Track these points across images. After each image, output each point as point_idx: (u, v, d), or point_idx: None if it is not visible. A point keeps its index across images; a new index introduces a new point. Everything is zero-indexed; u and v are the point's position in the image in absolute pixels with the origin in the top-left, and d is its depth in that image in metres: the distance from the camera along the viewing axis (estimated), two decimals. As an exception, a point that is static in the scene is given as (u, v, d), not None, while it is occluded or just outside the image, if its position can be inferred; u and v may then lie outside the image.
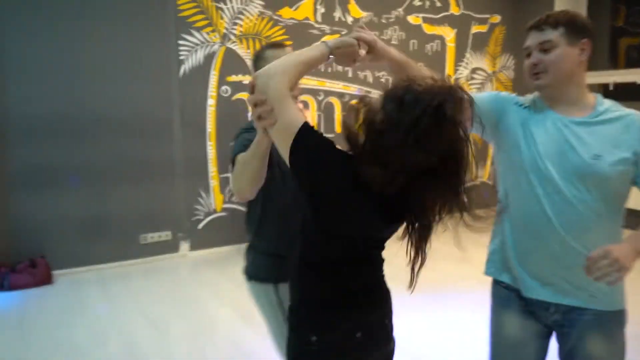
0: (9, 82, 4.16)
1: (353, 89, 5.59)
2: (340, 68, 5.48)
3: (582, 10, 6.24)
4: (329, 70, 5.41)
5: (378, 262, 1.39)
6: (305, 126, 1.20)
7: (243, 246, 5.13)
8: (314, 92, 5.36)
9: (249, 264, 1.91)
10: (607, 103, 1.54)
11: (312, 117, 5.31)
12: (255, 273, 1.87)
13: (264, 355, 2.86)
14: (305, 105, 5.26)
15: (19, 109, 4.20)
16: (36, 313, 3.67)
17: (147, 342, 3.16)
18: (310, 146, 1.20)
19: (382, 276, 1.40)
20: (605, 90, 6.18)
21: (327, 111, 5.45)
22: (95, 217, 4.52)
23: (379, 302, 1.39)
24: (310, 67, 1.27)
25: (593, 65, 5.83)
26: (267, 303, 1.83)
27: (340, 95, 5.52)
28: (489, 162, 6.62)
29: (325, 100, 5.44)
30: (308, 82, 5.31)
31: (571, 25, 1.50)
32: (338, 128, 5.53)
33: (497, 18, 6.43)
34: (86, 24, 4.36)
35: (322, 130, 5.29)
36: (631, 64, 6.59)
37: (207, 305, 3.76)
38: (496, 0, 6.38)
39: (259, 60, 1.85)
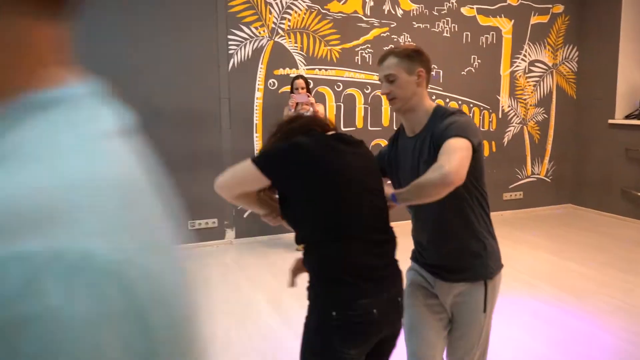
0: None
1: (376, 77, 5.53)
2: (367, 58, 5.45)
3: (654, -2, 5.83)
4: (356, 60, 5.38)
5: (392, 242, 1.57)
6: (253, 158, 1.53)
7: (282, 236, 5.25)
8: (331, 83, 5.32)
9: None
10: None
11: (329, 109, 5.28)
12: None
13: (292, 345, 2.97)
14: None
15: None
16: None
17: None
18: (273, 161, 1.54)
19: (395, 256, 1.56)
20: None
21: (347, 103, 5.42)
22: (148, 203, 4.81)
23: (393, 279, 1.52)
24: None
25: None
26: None
27: (362, 86, 5.46)
28: (546, 159, 6.36)
29: (345, 91, 5.39)
30: (354, 75, 5.33)
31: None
32: (359, 122, 5.50)
33: (560, 7, 6.14)
34: (139, 20, 4.62)
35: (341, 123, 5.30)
36: None
37: (246, 291, 3.92)
38: (559, -11, 6.10)
39: None
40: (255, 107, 5.07)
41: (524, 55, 6.06)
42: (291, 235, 1.99)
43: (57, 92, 0.38)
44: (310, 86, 4.69)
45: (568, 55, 6.30)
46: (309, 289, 1.50)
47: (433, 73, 5.51)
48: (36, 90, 0.36)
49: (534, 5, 6.01)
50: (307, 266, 1.52)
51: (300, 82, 4.55)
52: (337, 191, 1.44)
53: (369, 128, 5.48)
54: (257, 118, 5.09)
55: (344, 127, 5.37)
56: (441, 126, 1.62)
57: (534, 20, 6.05)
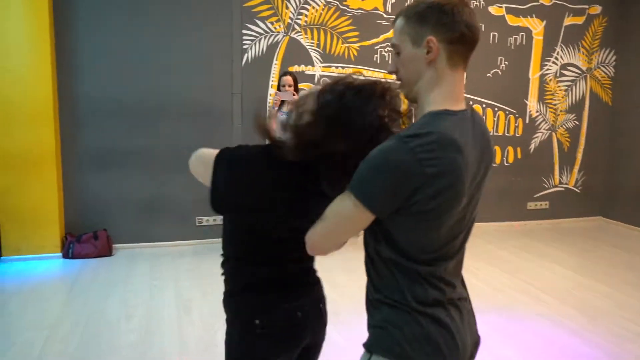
0: (81, 68, 4.51)
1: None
2: (386, 57, 5.26)
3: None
4: (375, 58, 5.20)
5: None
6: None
7: None
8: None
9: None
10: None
11: None
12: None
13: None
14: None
15: (90, 94, 4.53)
16: (89, 282, 3.97)
17: (168, 319, 3.28)
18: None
19: (313, 265, 1.49)
20: None
21: (392, 105, 5.27)
22: (155, 198, 4.78)
23: (311, 287, 1.47)
24: None
25: None
26: None
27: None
28: (575, 169, 6.03)
29: (391, 93, 5.25)
30: (373, 73, 5.16)
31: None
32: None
33: (597, 9, 5.79)
34: (154, 15, 4.59)
35: None
36: None
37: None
38: (597, -11, 5.75)
39: None
40: (268, 104, 4.96)
41: (556, 58, 5.75)
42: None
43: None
44: (299, 84, 4.50)
45: (604, 60, 5.94)
46: (225, 299, 1.46)
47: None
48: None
49: (568, 5, 5.69)
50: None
51: (289, 78, 4.38)
52: None
53: (386, 129, 5.30)
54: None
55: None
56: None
57: (568, 21, 5.73)
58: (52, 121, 4.37)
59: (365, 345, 1.17)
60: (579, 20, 5.77)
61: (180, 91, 4.72)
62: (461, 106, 1.16)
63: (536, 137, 5.83)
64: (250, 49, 4.85)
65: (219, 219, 4.99)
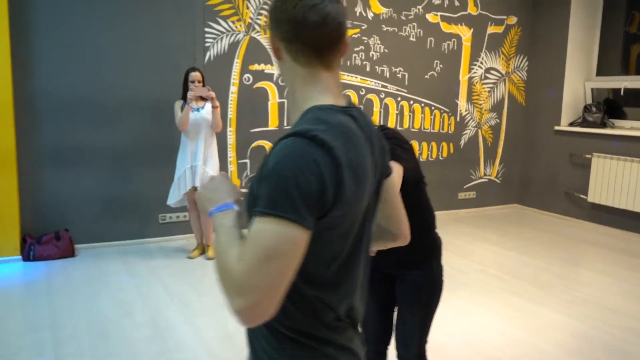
0: (39, 63, 4.32)
1: (371, 82, 5.73)
2: (358, 62, 5.63)
3: (597, 15, 6.36)
4: (348, 63, 5.55)
5: None
6: None
7: None
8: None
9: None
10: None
11: None
12: None
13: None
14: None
15: (48, 90, 4.36)
16: (63, 282, 3.85)
17: (171, 312, 3.34)
18: None
19: None
20: (616, 95, 6.32)
21: (343, 103, 5.60)
22: (117, 196, 4.69)
23: None
24: None
25: (605, 70, 5.94)
26: None
27: (357, 89, 5.66)
28: (497, 162, 6.77)
29: (343, 93, 5.57)
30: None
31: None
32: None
33: (513, 19, 6.55)
34: (116, 10, 4.51)
35: None
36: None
37: (209, 290, 3.93)
38: (513, 1, 6.49)
39: None
40: (230, 102, 5.06)
41: (481, 63, 6.42)
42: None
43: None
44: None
45: (519, 65, 6.73)
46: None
47: (406, 74, 5.73)
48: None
49: (491, 15, 6.38)
50: None
51: (198, 74, 4.34)
52: None
53: (338, 126, 5.62)
54: (232, 112, 5.09)
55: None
56: (266, 160, 0.94)
57: (491, 30, 6.42)
58: (10, 119, 4.15)
59: None
60: (499, 29, 6.49)
61: (142, 87, 4.68)
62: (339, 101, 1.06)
63: (465, 133, 6.47)
64: (213, 47, 4.92)
65: (182, 216, 5.01)
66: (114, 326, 3.17)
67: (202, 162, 4.38)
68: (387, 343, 2.15)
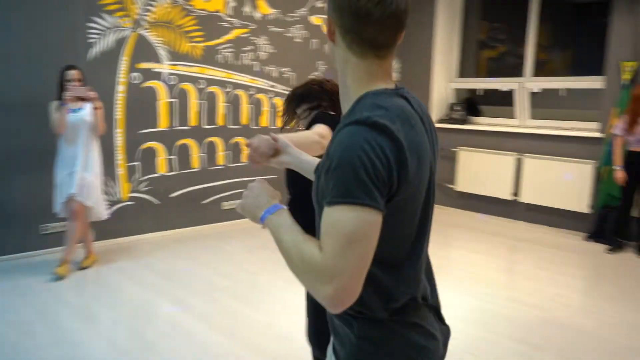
0: None
1: (260, 82, 5.78)
2: (247, 62, 5.65)
3: (456, 23, 7.07)
4: (237, 62, 5.54)
5: None
6: None
7: (150, 235, 5.16)
8: (221, 84, 5.46)
9: None
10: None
11: (192, 105, 5.36)
12: None
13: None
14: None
15: None
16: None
17: (78, 328, 3.12)
18: None
19: None
20: (475, 95, 7.10)
21: (234, 102, 5.59)
22: (-8, 206, 4.21)
23: None
24: None
25: (464, 73, 6.61)
26: None
27: (246, 88, 5.68)
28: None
29: (233, 92, 5.57)
30: (216, 73, 5.40)
31: None
32: (244, 119, 5.69)
33: (386, 24, 7.01)
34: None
35: (204, 120, 5.38)
36: (491, 73, 7.61)
37: (110, 300, 3.76)
38: (386, 8, 6.96)
39: None
40: (116, 102, 4.79)
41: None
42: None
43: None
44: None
45: (393, 67, 7.22)
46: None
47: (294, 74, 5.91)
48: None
49: (367, 20, 6.77)
50: None
51: (76, 73, 3.97)
52: None
53: (229, 126, 5.59)
54: (119, 113, 4.82)
55: (207, 125, 5.39)
56: (330, 151, 0.98)
57: (367, 33, 6.81)
58: None
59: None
60: (375, 33, 6.91)
61: (19, 85, 4.24)
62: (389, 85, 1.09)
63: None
64: (97, 43, 4.61)
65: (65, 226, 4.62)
66: (18, 350, 2.89)
67: (82, 168, 4.03)
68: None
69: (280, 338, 3.14)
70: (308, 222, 1.80)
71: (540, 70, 6.46)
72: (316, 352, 2.21)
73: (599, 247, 5.20)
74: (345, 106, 1.08)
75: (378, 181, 0.91)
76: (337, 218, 0.91)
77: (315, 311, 2.15)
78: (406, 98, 1.06)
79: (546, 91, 6.24)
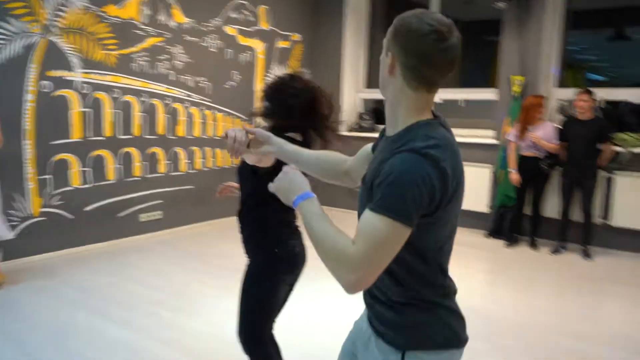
0: None
1: (176, 91, 5.71)
2: (163, 71, 5.56)
3: (362, 37, 7.46)
4: (153, 72, 5.44)
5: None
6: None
7: (65, 252, 5.02)
8: (137, 93, 5.33)
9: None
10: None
11: (106, 115, 5.24)
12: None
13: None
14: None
15: None
16: None
17: (10, 356, 2.93)
18: None
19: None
20: (381, 105, 7.51)
21: (150, 112, 5.47)
22: None
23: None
24: None
25: (371, 83, 6.91)
26: None
27: (162, 97, 5.59)
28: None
29: (148, 101, 5.45)
30: (131, 82, 5.26)
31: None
32: (160, 129, 5.59)
33: (297, 36, 7.23)
34: None
35: (119, 131, 5.23)
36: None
37: (32, 320, 3.58)
38: (297, 20, 7.17)
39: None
40: (25, 111, 4.51)
41: (272, 75, 6.93)
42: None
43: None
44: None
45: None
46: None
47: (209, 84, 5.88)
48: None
49: (279, 32, 6.93)
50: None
51: None
52: None
53: (145, 136, 5.46)
54: (29, 124, 4.54)
55: (122, 135, 5.23)
56: (385, 165, 1.15)
57: (280, 44, 6.98)
58: None
59: (394, 344, 1.26)
60: (287, 44, 7.09)
61: None
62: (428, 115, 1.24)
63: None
64: (3, 49, 4.32)
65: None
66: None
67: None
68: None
69: (225, 343, 3.17)
70: (253, 234, 2.02)
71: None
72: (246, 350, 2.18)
73: (498, 243, 5.76)
74: (391, 127, 1.26)
75: (418, 205, 1.10)
76: (375, 224, 1.10)
77: (248, 313, 2.14)
78: (445, 126, 1.25)
79: (447, 102, 6.78)
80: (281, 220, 2.14)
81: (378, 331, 1.31)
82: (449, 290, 1.30)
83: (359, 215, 1.19)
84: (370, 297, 1.33)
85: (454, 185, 1.17)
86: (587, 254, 5.28)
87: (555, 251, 5.43)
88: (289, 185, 1.30)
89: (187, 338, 3.26)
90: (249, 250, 2.18)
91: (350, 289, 1.13)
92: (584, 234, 5.34)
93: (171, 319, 3.53)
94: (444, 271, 1.28)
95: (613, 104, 6.31)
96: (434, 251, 1.24)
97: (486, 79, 10.54)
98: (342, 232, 1.17)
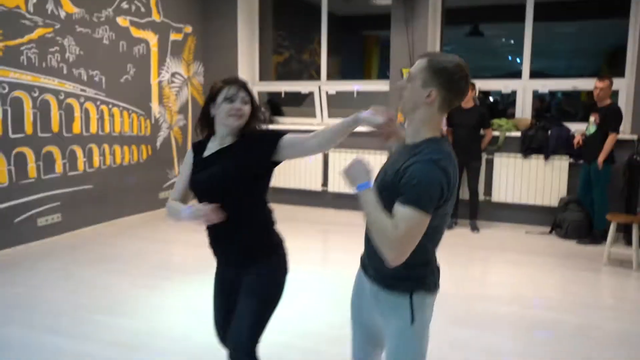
0: None
1: (69, 86, 5.36)
2: (54, 64, 5.19)
3: (255, 30, 7.54)
4: (43, 65, 5.06)
5: None
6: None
7: None
8: (27, 88, 4.93)
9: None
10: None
11: (27, 114, 4.89)
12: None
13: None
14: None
15: None
16: None
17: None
18: None
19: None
20: (278, 98, 7.69)
21: (42, 108, 5.09)
22: None
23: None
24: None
25: (263, 76, 7.15)
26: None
27: (55, 93, 5.22)
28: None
29: (41, 97, 5.07)
30: (21, 76, 4.86)
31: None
32: (55, 126, 5.23)
33: (189, 28, 7.10)
34: None
35: (9, 130, 4.73)
36: (279, 77, 8.32)
37: None
38: (189, 12, 7.05)
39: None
40: None
41: (167, 67, 6.76)
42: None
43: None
44: None
45: (197, 70, 7.36)
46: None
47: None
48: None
49: (172, 24, 6.77)
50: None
51: None
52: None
53: (39, 134, 5.07)
54: None
55: (13, 134, 4.82)
56: (408, 169, 1.53)
57: (173, 37, 6.81)
58: None
59: (403, 290, 1.64)
60: (180, 37, 6.94)
61: None
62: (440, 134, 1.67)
63: (160, 135, 6.72)
64: None
65: None
66: None
67: None
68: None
69: (177, 340, 3.17)
70: (256, 238, 2.06)
71: (318, 74, 7.39)
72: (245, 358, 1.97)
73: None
74: (411, 138, 1.64)
75: (434, 200, 1.51)
76: (409, 213, 1.49)
77: (263, 322, 2.01)
78: (448, 142, 1.68)
79: (340, 93, 7.15)
80: (273, 219, 2.11)
81: (387, 284, 1.68)
82: (435, 255, 1.75)
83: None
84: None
85: (452, 186, 1.56)
86: (475, 227, 5.95)
87: (448, 227, 6.01)
88: (358, 172, 1.60)
89: (132, 337, 3.20)
90: (251, 257, 2.01)
91: (392, 262, 1.51)
92: (472, 210, 6.01)
93: (107, 321, 3.42)
94: (437, 243, 1.71)
95: (484, 94, 7.13)
96: (436, 232, 1.64)
97: (362, 71, 11.24)
98: (388, 219, 1.51)
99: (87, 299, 3.79)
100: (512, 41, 11.37)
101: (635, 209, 5.37)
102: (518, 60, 7.67)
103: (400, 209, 1.50)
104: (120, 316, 3.52)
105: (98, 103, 5.75)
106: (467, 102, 5.80)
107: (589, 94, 6.07)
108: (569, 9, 8.76)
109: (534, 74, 6.46)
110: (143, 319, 3.50)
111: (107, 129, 5.89)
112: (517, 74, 6.62)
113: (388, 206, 1.54)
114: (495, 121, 6.09)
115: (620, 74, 6.00)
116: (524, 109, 6.42)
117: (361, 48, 10.82)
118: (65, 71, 5.31)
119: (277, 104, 7.78)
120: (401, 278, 1.64)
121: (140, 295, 3.90)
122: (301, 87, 7.49)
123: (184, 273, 4.39)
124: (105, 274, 4.36)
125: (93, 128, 5.69)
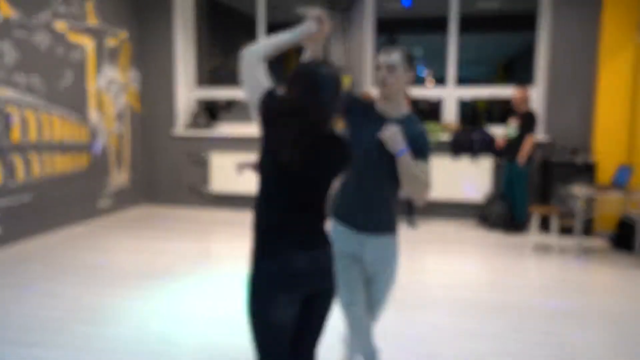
0: None
1: (6, 92, 5.16)
2: (-8, 69, 4.98)
3: (191, 36, 7.58)
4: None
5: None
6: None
7: None
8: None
9: None
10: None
11: None
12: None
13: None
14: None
15: None
16: None
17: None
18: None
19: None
20: (213, 103, 7.75)
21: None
22: None
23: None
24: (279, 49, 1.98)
25: (200, 82, 7.24)
26: None
27: (-7, 100, 5.01)
28: (126, 167, 7.13)
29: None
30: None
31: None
32: (-5, 135, 5.01)
33: (125, 34, 7.01)
34: None
35: None
36: (212, 82, 8.38)
37: None
38: (124, 17, 6.95)
39: None
40: None
41: (104, 74, 6.63)
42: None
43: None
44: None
45: (134, 77, 7.26)
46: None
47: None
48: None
49: (108, 29, 6.65)
50: None
51: None
52: None
53: (-22, 143, 4.85)
54: None
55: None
56: (417, 133, 2.18)
57: (109, 42, 6.70)
58: None
59: (389, 231, 2.26)
60: (116, 42, 6.83)
61: None
62: None
63: (99, 142, 6.57)
64: None
65: None
66: None
67: None
68: None
69: (162, 342, 3.25)
70: (322, 225, 1.83)
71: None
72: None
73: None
74: (392, 110, 2.23)
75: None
76: (429, 165, 2.17)
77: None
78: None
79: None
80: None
81: (380, 229, 2.25)
82: None
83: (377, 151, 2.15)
84: (378, 212, 2.24)
85: None
86: (412, 224, 6.43)
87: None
88: (397, 138, 2.09)
89: (120, 345, 3.23)
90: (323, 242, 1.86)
91: (424, 201, 2.18)
92: (409, 208, 6.47)
93: (92, 332, 3.41)
94: None
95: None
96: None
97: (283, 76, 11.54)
98: (422, 173, 2.11)
99: (65, 312, 3.72)
100: (421, 50, 12.26)
101: (550, 202, 6.09)
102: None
103: (425, 165, 2.14)
104: (112, 326, 3.52)
105: (37, 110, 5.56)
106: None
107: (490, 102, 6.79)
108: (480, 20, 9.63)
109: (440, 80, 7.06)
110: (123, 326, 3.52)
111: (47, 136, 5.70)
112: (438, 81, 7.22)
113: (388, 158, 2.10)
114: (429, 125, 6.61)
115: (514, 81, 6.76)
116: (449, 114, 7.00)
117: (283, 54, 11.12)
118: (2, 76, 5.10)
119: (214, 109, 7.86)
120: (391, 221, 2.29)
121: (105, 304, 3.90)
122: (238, 92, 7.62)
123: (138, 279, 4.41)
124: (84, 285, 4.24)
125: (32, 136, 5.49)
